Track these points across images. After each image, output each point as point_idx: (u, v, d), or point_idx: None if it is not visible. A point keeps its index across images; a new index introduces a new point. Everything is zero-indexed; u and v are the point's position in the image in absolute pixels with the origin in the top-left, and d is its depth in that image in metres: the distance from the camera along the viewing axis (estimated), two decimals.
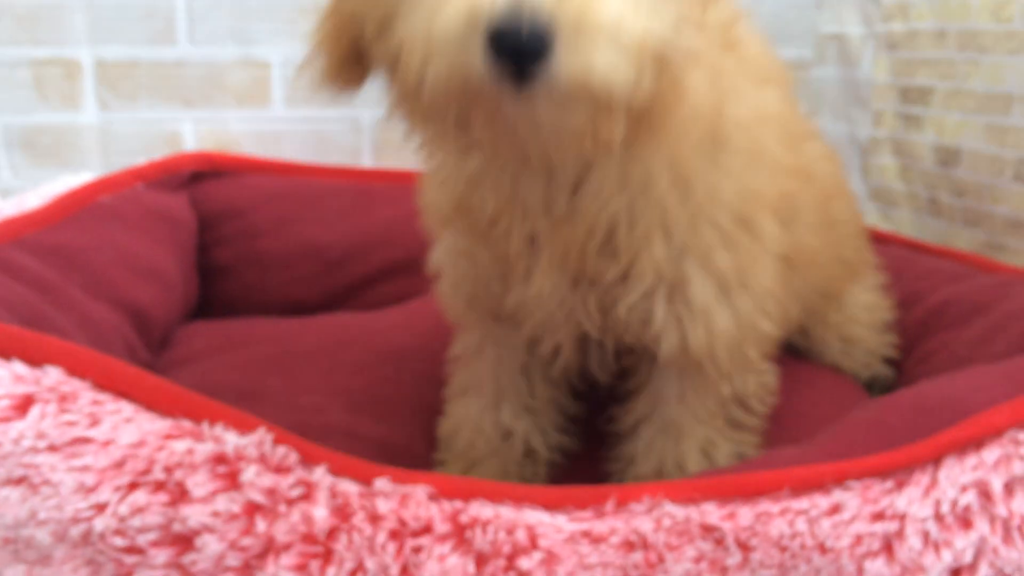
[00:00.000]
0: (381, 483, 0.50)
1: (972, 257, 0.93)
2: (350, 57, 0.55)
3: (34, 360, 0.48)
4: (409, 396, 0.82)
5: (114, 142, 1.05)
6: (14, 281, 0.68)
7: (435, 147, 0.60)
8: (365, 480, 0.50)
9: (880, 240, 0.97)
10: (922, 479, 0.53)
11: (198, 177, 0.99)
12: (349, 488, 0.49)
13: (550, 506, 0.51)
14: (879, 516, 0.52)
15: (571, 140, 0.49)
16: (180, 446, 0.46)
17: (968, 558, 0.51)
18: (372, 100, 1.10)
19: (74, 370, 0.47)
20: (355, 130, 1.11)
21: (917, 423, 0.58)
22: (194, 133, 1.07)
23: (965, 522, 0.52)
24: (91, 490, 0.44)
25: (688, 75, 0.51)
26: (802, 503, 0.52)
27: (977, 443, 0.54)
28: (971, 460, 0.54)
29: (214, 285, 0.98)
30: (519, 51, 0.43)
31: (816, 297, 0.80)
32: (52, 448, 0.45)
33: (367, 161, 1.12)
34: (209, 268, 0.98)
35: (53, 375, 0.47)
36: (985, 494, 0.52)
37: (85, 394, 0.46)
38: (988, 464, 0.53)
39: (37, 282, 0.71)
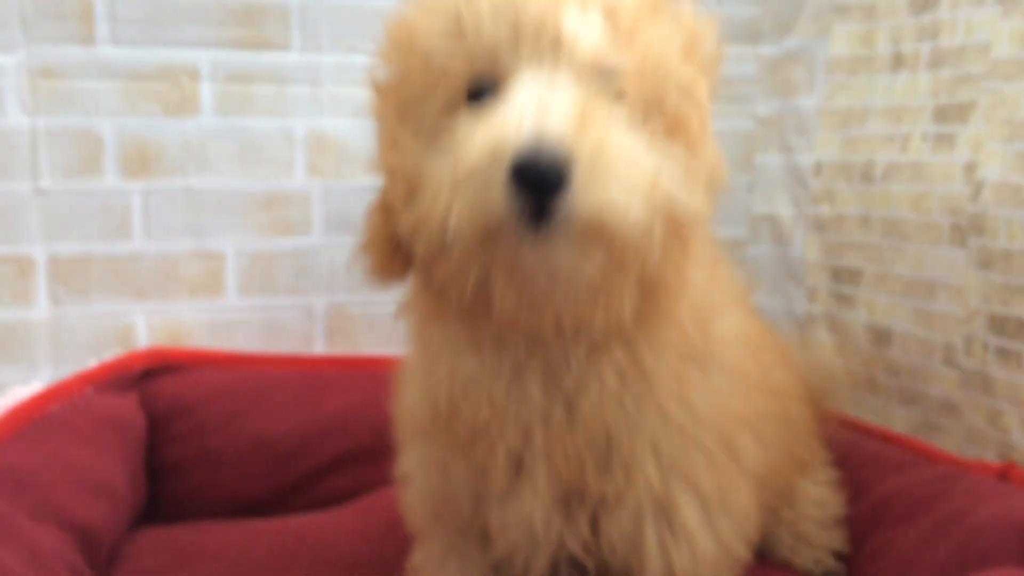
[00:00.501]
0: None
1: (913, 443, 0.97)
2: (392, 251, 0.57)
3: None
4: None
5: (65, 336, 1.04)
6: None
7: (446, 327, 0.61)
8: None
9: (822, 419, 1.00)
10: None
11: (149, 373, 0.99)
12: None
13: None
14: None
15: (586, 297, 0.51)
16: None
17: None
18: (324, 287, 1.13)
19: None
20: (308, 316, 1.12)
21: None
22: (146, 325, 1.07)
23: None
24: None
25: (695, 241, 0.54)
26: None
27: None
28: None
29: (162, 484, 0.97)
30: (540, 183, 0.46)
31: (773, 498, 0.81)
32: None
33: (320, 347, 1.13)
34: (157, 467, 0.97)
35: None
36: None
37: None
38: None
39: None
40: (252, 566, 0.81)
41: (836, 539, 0.89)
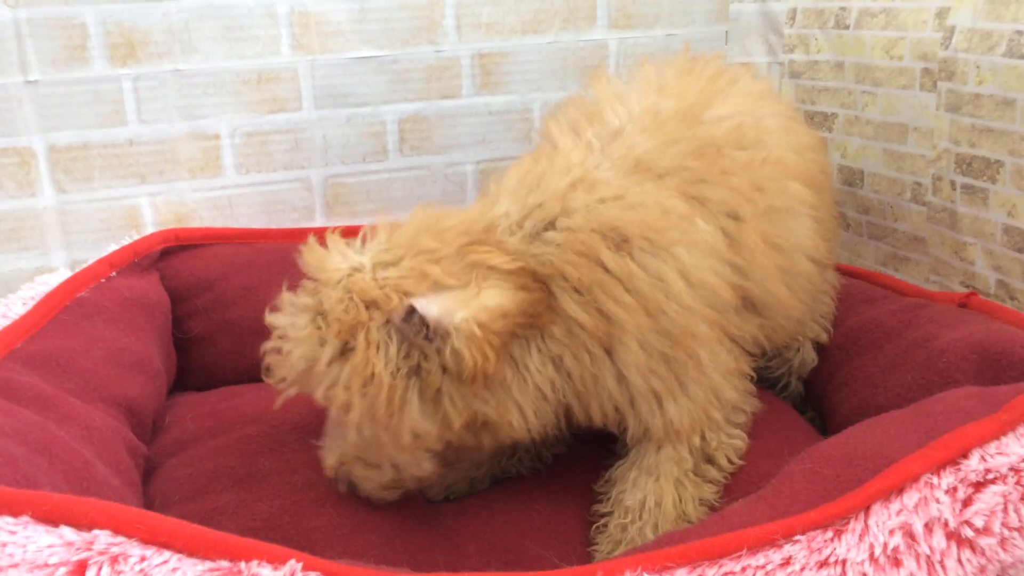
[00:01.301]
0: None
1: (882, 278, 1.04)
2: None
3: (82, 524, 0.53)
4: None
5: (74, 222, 1.08)
6: (18, 406, 0.73)
7: None
8: None
9: None
10: (856, 527, 0.63)
11: (166, 253, 1.04)
12: None
13: None
14: (824, 564, 0.61)
15: None
16: None
17: None
18: (319, 160, 1.16)
19: (120, 530, 0.53)
20: (306, 190, 1.16)
21: (846, 474, 0.68)
22: (151, 206, 1.11)
23: (895, 561, 0.61)
24: None
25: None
26: (759, 559, 0.61)
27: (899, 489, 0.64)
28: (895, 505, 0.63)
29: (190, 355, 1.03)
30: None
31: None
32: None
33: (320, 218, 1.17)
34: (184, 340, 1.03)
35: (103, 539, 0.53)
36: (910, 535, 0.62)
37: (134, 551, 0.52)
38: (909, 508, 0.63)
39: (38, 399, 0.76)
40: (288, 426, 0.89)
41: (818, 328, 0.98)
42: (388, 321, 0.68)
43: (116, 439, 0.79)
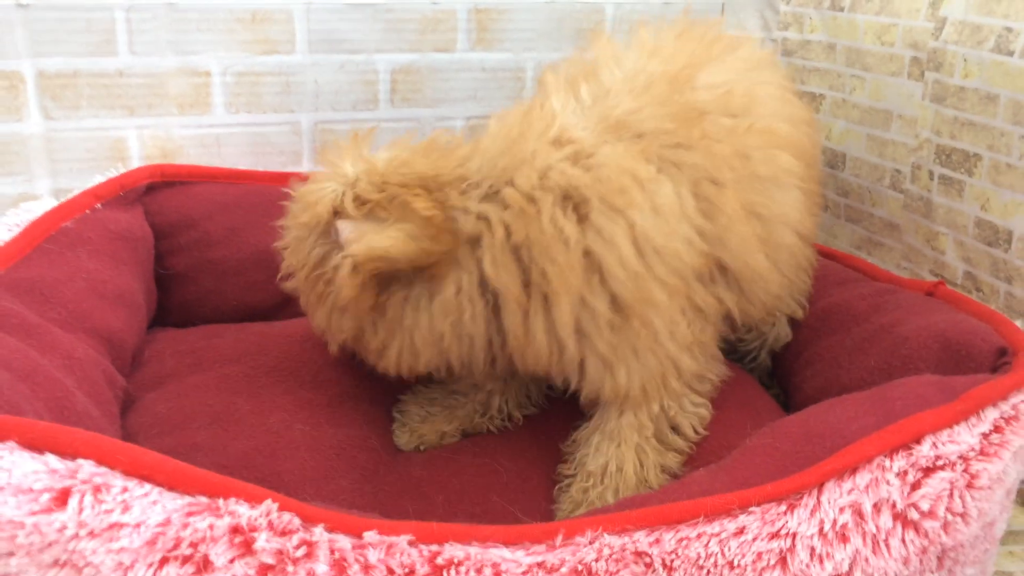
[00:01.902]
0: (369, 535, 0.59)
1: (857, 261, 1.06)
2: None
3: (66, 453, 0.55)
4: (363, 398, 0.92)
5: (60, 150, 1.08)
6: (1, 332, 0.74)
7: None
8: (356, 534, 0.59)
9: None
10: (809, 502, 0.65)
11: (151, 188, 1.04)
12: (344, 543, 0.58)
13: (509, 543, 0.62)
14: (775, 535, 0.64)
15: None
16: (202, 523, 0.54)
17: (845, 567, 0.64)
18: (310, 105, 1.17)
19: (103, 460, 0.55)
20: (295, 132, 1.16)
21: (804, 451, 0.70)
22: (138, 139, 1.11)
23: (843, 537, 0.64)
24: (128, 568, 0.52)
25: None
26: (714, 527, 0.64)
27: (852, 469, 0.67)
28: (847, 484, 0.66)
29: (171, 292, 1.04)
30: None
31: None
32: (92, 534, 0.52)
33: (307, 163, 1.17)
34: (166, 276, 1.04)
35: (87, 468, 0.54)
36: (858, 513, 0.65)
37: (116, 482, 0.54)
38: (860, 488, 0.66)
39: (21, 326, 0.77)
40: (264, 369, 0.90)
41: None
42: (321, 230, 0.77)
43: (97, 370, 0.81)
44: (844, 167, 1.18)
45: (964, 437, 0.69)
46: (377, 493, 0.80)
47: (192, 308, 1.05)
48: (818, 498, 0.66)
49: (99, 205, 0.97)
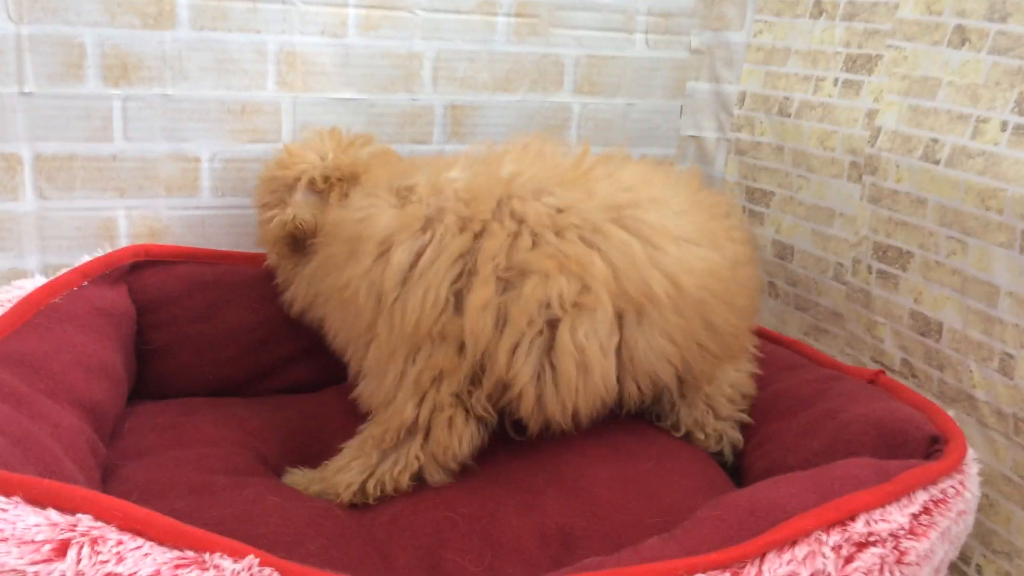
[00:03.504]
0: None
1: (805, 348, 1.13)
2: None
3: (66, 508, 0.59)
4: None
5: (51, 228, 1.13)
6: None
7: None
8: None
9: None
10: (751, 571, 0.71)
11: (135, 267, 1.09)
12: None
13: None
14: None
15: None
16: (190, 575, 0.59)
17: None
18: None
19: (100, 516, 0.59)
20: None
21: (748, 523, 0.76)
22: (127, 219, 1.16)
23: None
24: None
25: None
26: None
27: (791, 542, 0.73)
28: (786, 555, 0.72)
29: (150, 365, 1.09)
30: None
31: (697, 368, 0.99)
32: None
33: None
34: (145, 350, 1.08)
35: (85, 522, 0.59)
36: None
37: (111, 535, 0.58)
38: (799, 559, 0.72)
39: (13, 395, 0.81)
40: (242, 448, 0.95)
41: (738, 411, 1.05)
42: (288, 184, 1.06)
43: (81, 439, 0.85)
44: (792, 259, 1.26)
45: (895, 516, 0.76)
46: (343, 557, 0.84)
47: (169, 380, 1.10)
48: (760, 567, 0.71)
49: (86, 283, 1.03)
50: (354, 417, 0.98)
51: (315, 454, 0.99)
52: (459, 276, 0.88)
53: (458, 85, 1.28)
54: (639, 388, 0.95)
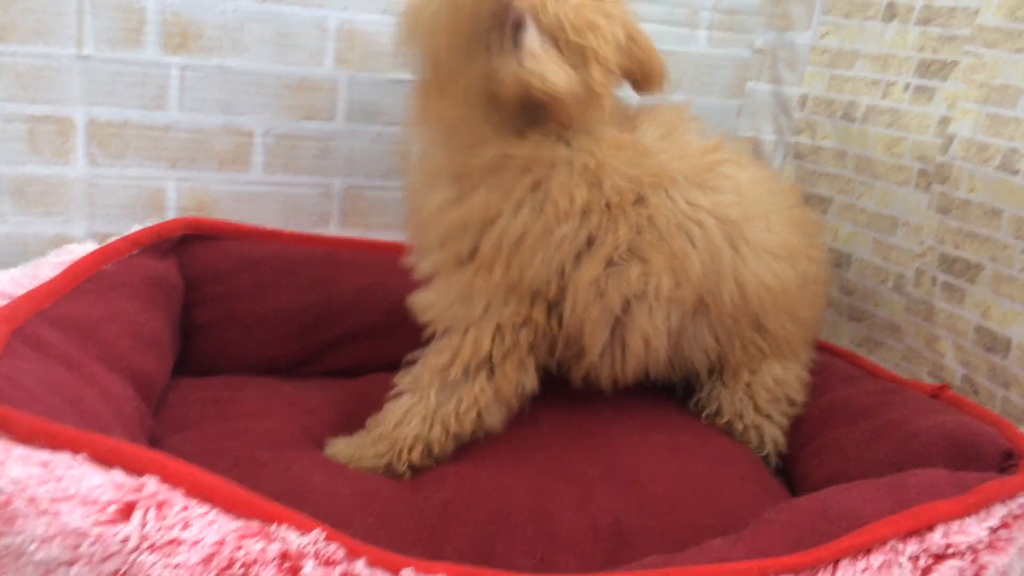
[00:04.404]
0: (407, 572, 0.61)
1: (861, 360, 1.11)
2: None
3: (133, 469, 0.57)
4: None
5: (100, 195, 1.11)
6: (46, 359, 0.76)
7: None
8: (395, 570, 0.61)
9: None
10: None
11: (184, 240, 1.07)
12: None
13: None
14: None
15: None
16: (254, 546, 0.56)
17: None
18: (343, 170, 1.21)
19: (168, 479, 0.57)
20: (326, 196, 1.21)
21: (820, 528, 0.73)
22: (176, 191, 1.14)
23: None
24: None
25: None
26: None
27: (867, 549, 0.70)
28: (861, 563, 0.69)
29: (194, 341, 1.06)
30: None
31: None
32: (152, 548, 0.54)
33: (334, 226, 1.21)
34: (191, 326, 1.06)
35: (151, 484, 0.56)
36: None
37: (178, 500, 0.56)
38: (874, 568, 0.69)
39: (63, 357, 0.79)
40: (288, 427, 0.92)
41: (779, 413, 1.03)
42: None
43: (130, 407, 0.83)
44: (849, 267, 1.23)
45: (974, 529, 0.73)
46: (391, 538, 0.81)
47: (213, 359, 1.07)
48: (833, 573, 0.69)
49: (136, 251, 1.01)
50: None
51: (360, 427, 0.96)
52: (584, 247, 0.89)
53: None
54: (671, 367, 1.00)
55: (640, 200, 0.90)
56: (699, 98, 1.34)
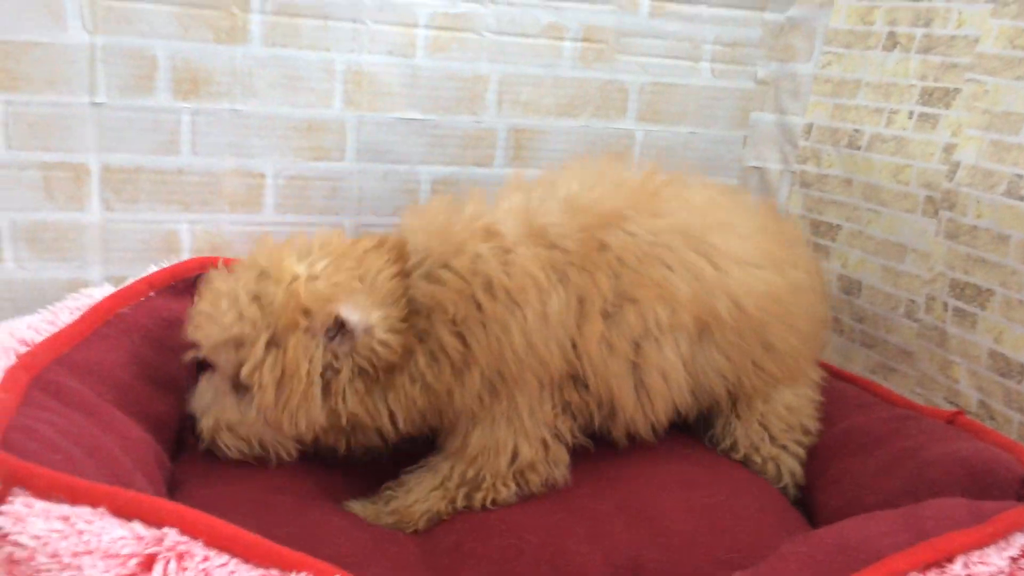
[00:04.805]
0: None
1: (873, 386, 1.10)
2: None
3: (153, 521, 0.58)
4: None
5: (114, 240, 1.13)
6: (65, 407, 0.77)
7: None
8: None
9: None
10: None
11: (200, 280, 1.08)
12: None
13: None
14: None
15: None
16: None
17: None
18: (353, 209, 1.22)
19: (187, 530, 0.58)
20: None
21: (838, 561, 0.73)
22: (190, 233, 1.16)
23: None
24: None
25: None
26: None
27: None
28: None
29: None
30: None
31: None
32: None
33: None
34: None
35: (171, 536, 0.57)
36: None
37: (198, 551, 0.57)
38: None
39: (82, 404, 0.80)
40: (307, 469, 0.93)
41: (794, 442, 1.03)
42: (315, 330, 0.85)
43: (150, 453, 0.83)
44: (859, 294, 1.23)
45: (994, 559, 0.72)
46: None
47: None
48: None
49: (153, 293, 1.02)
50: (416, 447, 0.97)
51: (376, 484, 0.96)
52: (578, 310, 0.90)
53: (522, 109, 1.27)
54: (694, 398, 0.99)
55: (602, 246, 0.91)
56: (703, 130, 1.35)
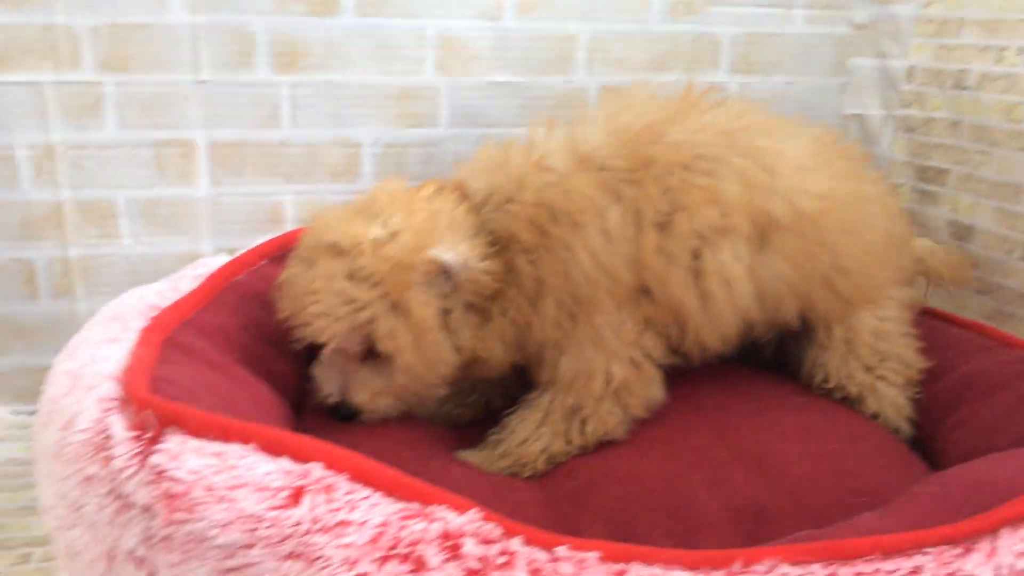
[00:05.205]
0: (561, 550, 0.62)
1: (992, 331, 1.07)
2: None
3: (299, 457, 0.59)
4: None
5: (223, 212, 1.16)
6: (198, 364, 0.80)
7: None
8: (549, 548, 0.62)
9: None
10: (985, 546, 0.66)
11: None
12: (539, 556, 0.61)
13: (691, 567, 0.64)
14: None
15: None
16: (417, 526, 0.58)
17: None
18: (448, 173, 1.23)
19: (332, 466, 0.59)
20: None
21: (975, 499, 0.71)
22: (294, 204, 1.19)
23: None
24: (354, 563, 0.56)
25: None
26: (889, 565, 0.65)
27: None
28: (1022, 532, 0.67)
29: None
30: None
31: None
32: (323, 530, 0.56)
33: None
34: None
35: (316, 471, 0.59)
36: None
37: (343, 485, 0.58)
38: None
39: (212, 362, 0.82)
40: (425, 426, 0.95)
41: (893, 372, 1.00)
42: (423, 281, 0.85)
43: (276, 408, 0.85)
44: (972, 239, 1.20)
45: None
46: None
47: None
48: (994, 543, 0.66)
49: (264, 262, 1.04)
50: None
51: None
52: (634, 224, 0.91)
53: (613, 67, 1.26)
54: (764, 313, 0.96)
55: (648, 160, 0.91)
56: (799, 79, 1.32)
